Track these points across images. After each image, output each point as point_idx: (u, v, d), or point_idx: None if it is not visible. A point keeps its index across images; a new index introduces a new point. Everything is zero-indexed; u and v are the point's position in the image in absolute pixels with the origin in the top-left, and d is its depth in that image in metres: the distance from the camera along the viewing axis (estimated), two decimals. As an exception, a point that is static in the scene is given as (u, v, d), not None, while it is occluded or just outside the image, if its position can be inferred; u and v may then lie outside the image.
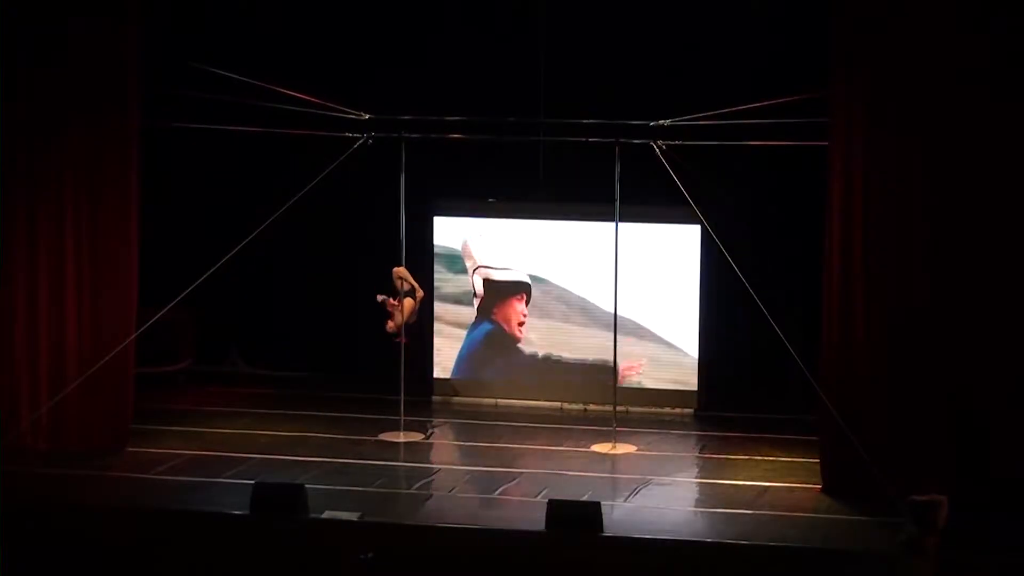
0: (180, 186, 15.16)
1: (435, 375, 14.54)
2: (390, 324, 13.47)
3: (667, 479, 11.99)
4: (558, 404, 14.32)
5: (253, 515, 10.42)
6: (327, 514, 10.55)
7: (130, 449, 12.45)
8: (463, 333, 14.48)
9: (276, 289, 15.36)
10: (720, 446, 12.98)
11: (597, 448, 12.86)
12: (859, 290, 11.34)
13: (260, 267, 14.75)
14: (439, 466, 12.36)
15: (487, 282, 14.32)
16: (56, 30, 12.17)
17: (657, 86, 13.64)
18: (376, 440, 13.02)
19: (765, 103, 12.16)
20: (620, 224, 12.92)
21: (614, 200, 12.82)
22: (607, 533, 10.14)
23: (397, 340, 13.37)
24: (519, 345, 14.33)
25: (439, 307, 14.42)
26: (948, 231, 11.12)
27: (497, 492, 11.60)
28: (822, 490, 11.54)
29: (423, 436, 13.29)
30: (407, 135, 12.93)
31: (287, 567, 10.03)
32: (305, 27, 14.74)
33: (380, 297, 13.50)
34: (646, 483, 11.79)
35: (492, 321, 14.36)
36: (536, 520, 10.28)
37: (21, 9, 12.12)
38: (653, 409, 14.07)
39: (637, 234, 13.70)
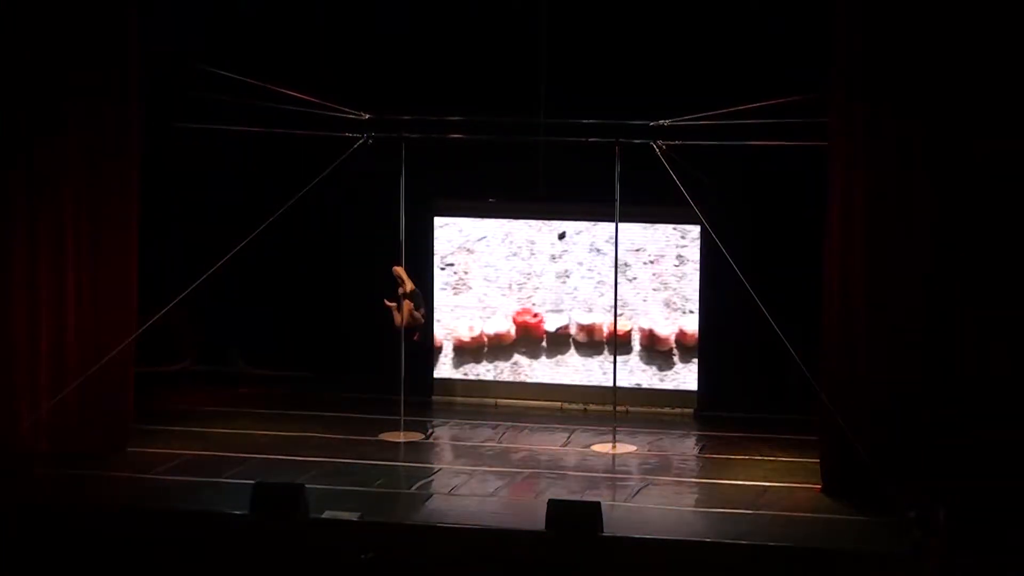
0: (180, 186, 15.16)
1: (435, 375, 14.59)
2: (396, 318, 13.44)
3: (667, 479, 12.00)
4: (558, 404, 14.33)
5: (253, 515, 10.43)
6: (327, 514, 10.56)
7: (130, 449, 12.45)
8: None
9: (276, 289, 15.36)
10: (720, 446, 12.98)
11: (597, 448, 12.87)
12: (859, 290, 11.34)
13: (260, 267, 14.75)
14: (439, 466, 12.36)
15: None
16: (57, 31, 12.17)
17: (657, 86, 13.64)
18: (376, 440, 13.02)
19: (765, 103, 12.16)
20: (620, 224, 12.96)
21: (614, 200, 12.83)
22: (607, 533, 10.14)
23: (416, 339, 13.48)
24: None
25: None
26: (949, 231, 11.12)
27: (497, 492, 11.60)
28: (822, 490, 11.55)
29: (423, 436, 13.29)
30: (407, 135, 12.93)
31: (287, 567, 10.03)
32: (305, 27, 14.75)
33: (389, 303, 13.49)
34: (646, 483, 11.80)
35: None
36: (536, 520, 10.28)
37: (23, 13, 12.14)
38: (653, 409, 14.08)
39: (637, 234, 13.77)
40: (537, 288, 14.37)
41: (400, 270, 13.37)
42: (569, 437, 13.28)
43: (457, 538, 10.28)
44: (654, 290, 14.13)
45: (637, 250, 14.03)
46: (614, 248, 13.12)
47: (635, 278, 14.09)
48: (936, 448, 11.04)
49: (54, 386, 12.26)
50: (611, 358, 13.46)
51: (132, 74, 12.28)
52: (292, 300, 15.36)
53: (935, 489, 10.45)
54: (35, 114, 12.25)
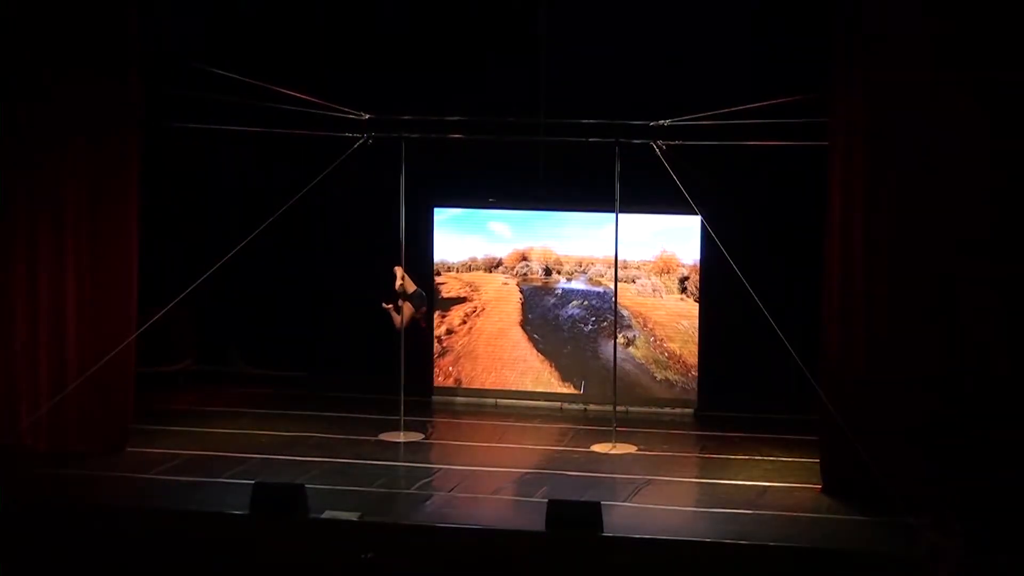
0: (180, 186, 15.17)
1: (435, 374, 14.60)
2: (396, 320, 13.45)
3: (667, 479, 11.99)
4: (558, 404, 14.32)
5: (253, 515, 10.43)
6: (327, 514, 10.55)
7: (130, 449, 12.45)
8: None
9: (276, 289, 15.36)
10: (720, 446, 12.97)
11: (597, 448, 12.86)
12: (859, 290, 11.34)
13: (260, 267, 14.75)
14: (439, 466, 12.35)
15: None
16: (57, 31, 12.17)
17: (657, 86, 13.64)
18: (376, 440, 13.02)
19: (765, 103, 12.16)
20: (620, 224, 12.95)
21: (614, 200, 12.83)
22: (607, 533, 10.14)
23: (423, 326, 13.63)
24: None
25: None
26: (949, 230, 11.12)
27: (497, 492, 11.60)
28: (822, 490, 11.55)
29: (423, 436, 13.29)
30: (407, 135, 12.93)
31: (287, 567, 10.03)
32: (305, 27, 14.75)
33: (385, 305, 13.48)
34: (646, 483, 11.79)
35: None
36: (536, 520, 10.28)
37: (23, 16, 12.15)
38: (653, 409, 14.07)
39: (637, 235, 13.79)
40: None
41: (398, 270, 13.36)
42: (569, 437, 13.27)
43: (457, 538, 10.28)
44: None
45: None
46: (614, 247, 13.11)
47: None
48: (936, 448, 11.05)
49: (54, 386, 12.27)
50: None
51: (132, 74, 12.28)
52: (292, 300, 15.37)
53: (935, 489, 10.46)
54: (35, 114, 12.26)
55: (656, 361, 14.09)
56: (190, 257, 13.84)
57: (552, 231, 14.39)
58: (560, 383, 14.30)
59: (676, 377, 14.07)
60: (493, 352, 14.47)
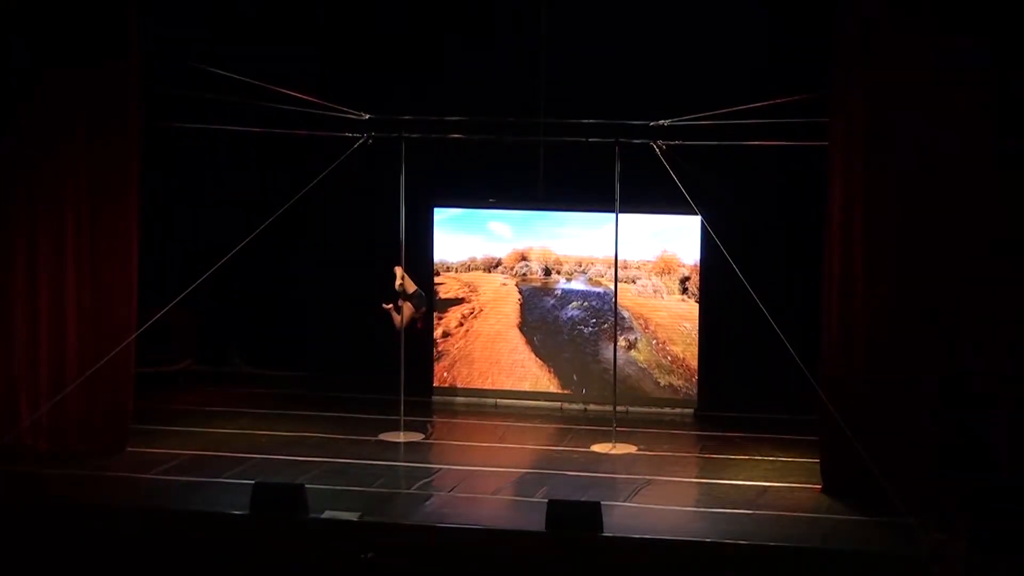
0: (180, 186, 15.17)
1: (435, 374, 14.59)
2: (396, 319, 13.44)
3: (667, 479, 11.99)
4: (558, 404, 14.32)
5: (253, 515, 10.43)
6: (327, 514, 10.56)
7: (130, 449, 12.45)
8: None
9: (276, 289, 15.36)
10: (720, 446, 12.97)
11: (597, 448, 12.86)
12: (859, 289, 11.35)
13: (260, 267, 14.75)
14: (439, 466, 12.35)
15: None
16: (57, 31, 12.18)
17: (657, 86, 13.64)
18: (376, 440, 13.02)
19: (765, 103, 12.17)
20: (620, 224, 12.95)
21: (614, 200, 12.83)
22: (607, 533, 10.14)
23: (419, 327, 13.58)
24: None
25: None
26: (949, 229, 11.12)
27: (497, 492, 11.60)
28: (822, 490, 11.55)
29: (423, 436, 13.29)
30: (407, 135, 12.93)
31: (287, 567, 10.03)
32: (305, 27, 14.75)
33: (386, 305, 13.47)
34: (646, 483, 11.79)
35: None
36: (536, 520, 10.28)
37: (23, 16, 12.15)
38: (653, 409, 14.07)
39: (637, 235, 13.78)
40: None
41: (398, 270, 13.35)
42: (569, 437, 13.27)
43: (457, 538, 10.28)
44: None
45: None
46: (614, 247, 13.11)
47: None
48: (936, 448, 11.04)
49: (54, 386, 12.27)
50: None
51: (132, 74, 12.27)
52: (291, 300, 15.37)
53: (935, 489, 10.46)
54: (35, 115, 12.26)
55: (659, 365, 14.09)
56: (190, 257, 13.84)
57: (552, 231, 14.40)
58: (560, 389, 14.28)
59: (680, 383, 14.05)
60: (490, 356, 14.45)
